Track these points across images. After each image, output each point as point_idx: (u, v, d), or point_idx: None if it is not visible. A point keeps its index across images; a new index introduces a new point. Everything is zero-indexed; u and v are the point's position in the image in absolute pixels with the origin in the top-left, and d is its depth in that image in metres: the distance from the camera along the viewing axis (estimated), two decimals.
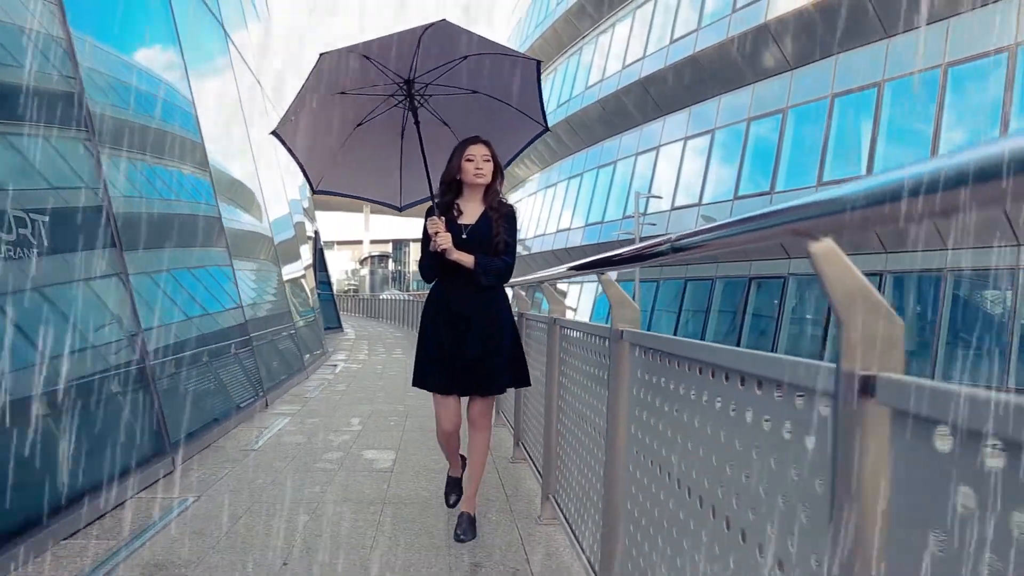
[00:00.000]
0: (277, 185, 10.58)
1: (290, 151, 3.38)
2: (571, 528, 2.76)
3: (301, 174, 3.50)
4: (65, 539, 2.86)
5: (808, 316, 16.39)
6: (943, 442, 0.74)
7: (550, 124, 3.58)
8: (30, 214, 3.15)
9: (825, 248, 0.82)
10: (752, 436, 1.14)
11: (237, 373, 6.00)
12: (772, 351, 16.45)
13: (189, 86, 6.21)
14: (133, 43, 5.49)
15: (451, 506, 3.28)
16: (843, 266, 0.82)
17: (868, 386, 0.81)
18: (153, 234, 4.76)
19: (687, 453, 1.45)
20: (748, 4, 18.71)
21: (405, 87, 3.23)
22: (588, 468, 2.46)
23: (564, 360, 3.03)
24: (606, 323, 2.20)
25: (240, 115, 8.39)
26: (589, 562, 2.37)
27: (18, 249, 3.01)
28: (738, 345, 17.31)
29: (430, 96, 3.33)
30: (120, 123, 4.59)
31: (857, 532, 0.82)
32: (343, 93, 3.22)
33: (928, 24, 15.07)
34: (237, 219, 7.25)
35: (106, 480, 3.32)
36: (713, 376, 1.30)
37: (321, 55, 3.03)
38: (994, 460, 0.69)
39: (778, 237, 0.92)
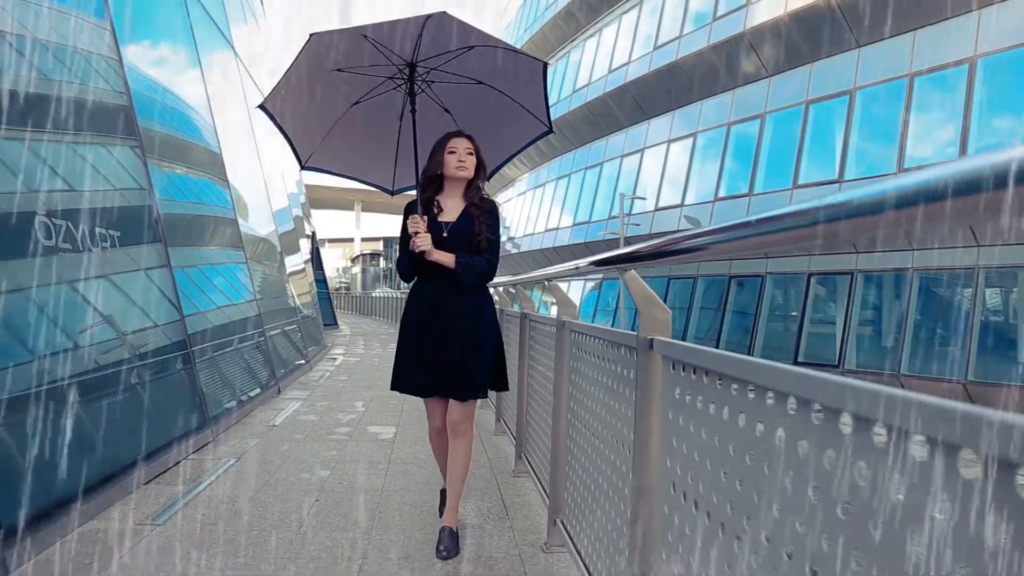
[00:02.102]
0: (280, 188, 11.37)
1: (278, 125, 3.29)
2: (537, 477, 3.59)
3: (291, 151, 3.43)
4: (145, 484, 3.68)
5: (791, 313, 17.22)
6: (685, 372, 1.56)
7: None
8: (105, 215, 3.95)
9: (631, 275, 1.65)
10: (615, 377, 1.97)
11: (255, 360, 6.81)
12: (750, 346, 17.19)
13: (208, 102, 7.00)
14: (164, 67, 6.27)
15: (442, 556, 2.85)
16: (639, 283, 1.65)
17: (652, 344, 1.64)
18: (185, 233, 5.57)
19: (595, 398, 2.27)
20: (728, 13, 19.56)
21: (407, 70, 3.11)
22: (547, 425, 3.29)
23: (532, 346, 3.86)
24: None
25: (248, 124, 9.17)
26: (545, 492, 3.20)
27: (97, 242, 3.82)
28: (718, 340, 18.16)
29: (433, 82, 3.21)
30: (158, 136, 5.38)
31: (647, 422, 1.65)
32: (339, 70, 3.11)
33: (895, 36, 15.94)
34: (249, 222, 8.06)
35: (169, 443, 4.14)
36: (601, 344, 2.13)
37: (312, 35, 2.92)
38: (709, 380, 1.51)
39: (612, 269, 1.74)
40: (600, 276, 23.02)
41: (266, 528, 3.09)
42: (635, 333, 1.71)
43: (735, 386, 1.23)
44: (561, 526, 2.82)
